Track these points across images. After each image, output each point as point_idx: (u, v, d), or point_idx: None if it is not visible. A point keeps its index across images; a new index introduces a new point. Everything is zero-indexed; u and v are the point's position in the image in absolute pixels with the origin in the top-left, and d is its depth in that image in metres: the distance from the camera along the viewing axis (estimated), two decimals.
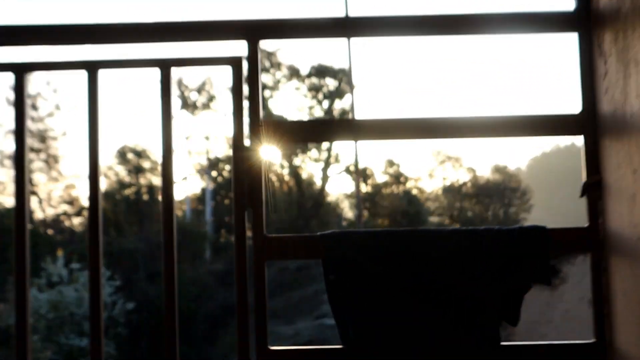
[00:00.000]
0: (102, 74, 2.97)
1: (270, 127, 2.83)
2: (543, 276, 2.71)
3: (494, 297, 2.70)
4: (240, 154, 2.85)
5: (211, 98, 28.20)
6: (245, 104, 2.89)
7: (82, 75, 2.97)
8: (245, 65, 2.92)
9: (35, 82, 26.17)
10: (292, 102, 31.40)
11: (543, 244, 2.74)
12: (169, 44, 3.00)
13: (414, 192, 30.96)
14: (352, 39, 2.99)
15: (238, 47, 2.91)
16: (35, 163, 25.35)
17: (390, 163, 30.60)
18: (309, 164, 29.18)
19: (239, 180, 2.86)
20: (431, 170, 33.02)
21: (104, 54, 3.02)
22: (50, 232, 25.19)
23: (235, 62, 2.90)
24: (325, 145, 28.27)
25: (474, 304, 2.70)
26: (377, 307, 2.71)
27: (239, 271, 2.84)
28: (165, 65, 2.94)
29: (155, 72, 2.96)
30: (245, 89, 2.90)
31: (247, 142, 2.86)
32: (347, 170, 29.40)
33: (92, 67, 2.95)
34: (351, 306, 2.73)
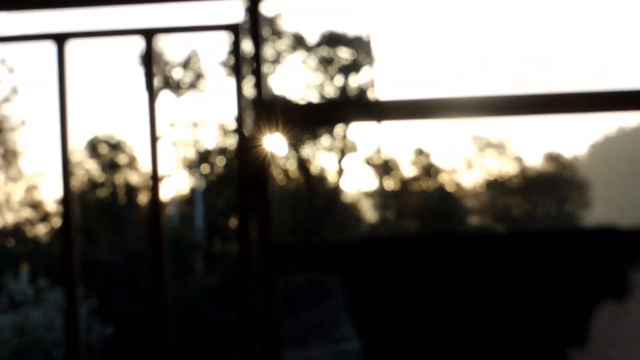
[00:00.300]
0: (73, 46, 2.95)
1: (275, 108, 2.81)
2: (616, 288, 2.68)
3: (557, 315, 2.67)
4: (243, 144, 2.83)
5: (199, 76, 28.05)
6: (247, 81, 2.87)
7: (48, 49, 2.96)
8: (244, 32, 2.90)
9: None
10: (297, 79, 31.37)
11: (615, 247, 2.71)
12: (150, 8, 2.98)
13: (448, 187, 30.90)
14: None
15: (231, 11, 2.90)
16: None
17: (420, 152, 30.56)
18: (320, 155, 29.08)
19: (242, 176, 2.84)
20: (469, 160, 32.96)
21: (75, 25, 3.01)
22: (11, 242, 25.26)
23: (234, 29, 2.88)
24: (339, 132, 28.21)
25: (533, 326, 2.67)
26: (416, 333, 2.68)
27: (243, 288, 2.82)
28: (149, 34, 2.92)
29: (136, 42, 2.94)
30: (248, 63, 2.88)
31: (250, 127, 2.84)
32: (367, 161, 29.33)
33: (60, 39, 2.93)
34: (382, 332, 2.70)
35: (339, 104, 2.65)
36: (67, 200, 2.85)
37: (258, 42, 2.85)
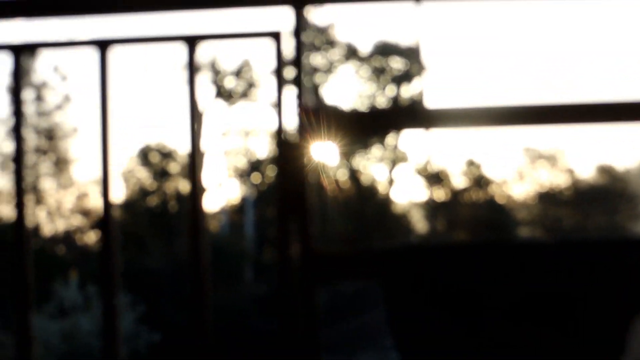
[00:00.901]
0: (116, 52, 2.95)
1: (324, 117, 2.79)
2: None
3: (597, 326, 2.63)
4: (284, 150, 2.81)
5: (251, 85, 28.12)
6: (291, 88, 2.85)
7: (94, 55, 2.96)
8: (287, 39, 2.88)
9: (40, 67, 26.43)
10: (350, 89, 31.34)
11: None
12: (195, 15, 2.98)
13: (499, 198, 30.71)
14: (423, 4, 2.94)
15: (278, 18, 2.88)
16: (42, 166, 25.58)
17: (470, 163, 30.41)
18: (371, 165, 29.04)
19: (283, 183, 2.82)
20: (520, 171, 32.74)
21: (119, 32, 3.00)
22: (61, 249, 25.45)
23: (276, 36, 2.86)
24: (391, 142, 28.15)
25: (572, 336, 2.63)
26: (453, 344, 2.64)
27: (283, 297, 2.80)
28: (191, 41, 2.91)
29: (181, 49, 2.93)
30: (291, 71, 2.86)
31: (293, 135, 2.82)
32: (418, 172, 29.24)
33: (103, 45, 2.93)
34: (420, 342, 2.66)
35: (387, 111, 2.61)
36: (107, 208, 2.84)
37: (300, 49, 2.82)
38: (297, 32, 2.92)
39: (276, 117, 2.84)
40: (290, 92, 2.91)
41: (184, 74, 2.97)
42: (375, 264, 2.88)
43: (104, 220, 2.86)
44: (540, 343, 2.74)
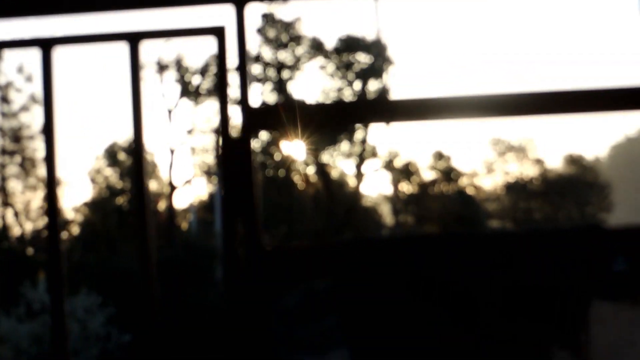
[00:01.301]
0: (61, 52, 2.93)
1: (290, 112, 2.76)
2: (604, 287, 2.64)
3: (544, 312, 2.64)
4: (227, 147, 2.79)
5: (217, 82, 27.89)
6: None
7: (38, 54, 2.94)
8: (231, 36, 2.87)
9: (5, 68, 26.24)
10: (316, 84, 31.33)
11: (600, 246, 2.67)
12: (141, 17, 2.97)
13: (469, 190, 30.78)
14: None
15: (222, 15, 2.87)
16: (9, 168, 25.43)
17: (439, 156, 30.47)
18: (339, 161, 29.04)
19: (228, 181, 2.80)
20: (489, 163, 32.86)
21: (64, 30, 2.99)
22: (29, 251, 25.30)
23: (218, 32, 2.85)
24: (359, 136, 28.16)
25: (525, 324, 2.64)
26: (404, 333, 2.64)
27: (230, 294, 2.79)
28: (134, 39, 2.90)
29: (124, 48, 2.92)
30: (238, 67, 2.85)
31: (238, 132, 2.80)
32: (387, 166, 29.26)
33: (46, 45, 2.91)
34: (371, 336, 2.67)
35: (353, 104, 2.61)
36: (52, 212, 2.83)
37: (244, 46, 2.82)
38: (240, 29, 2.92)
39: (219, 114, 2.84)
40: (236, 89, 2.91)
41: (129, 73, 2.95)
42: (326, 259, 2.88)
43: (50, 225, 2.84)
44: (487, 328, 2.75)
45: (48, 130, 2.90)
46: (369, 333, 2.78)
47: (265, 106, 2.39)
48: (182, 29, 2.88)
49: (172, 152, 26.71)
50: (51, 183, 2.88)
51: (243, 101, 2.84)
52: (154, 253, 2.89)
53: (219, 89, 2.84)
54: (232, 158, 2.82)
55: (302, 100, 28.24)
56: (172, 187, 26.68)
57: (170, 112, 27.18)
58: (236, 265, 2.86)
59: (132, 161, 2.77)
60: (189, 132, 28.04)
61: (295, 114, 2.84)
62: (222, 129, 2.81)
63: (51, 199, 2.88)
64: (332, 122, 2.89)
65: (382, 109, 2.90)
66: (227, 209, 2.87)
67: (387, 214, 30.78)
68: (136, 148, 2.82)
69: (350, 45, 28.69)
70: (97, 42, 2.93)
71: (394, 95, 28.36)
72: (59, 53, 2.96)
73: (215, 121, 28.57)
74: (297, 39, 28.55)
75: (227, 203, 2.87)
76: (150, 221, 2.91)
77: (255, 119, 2.84)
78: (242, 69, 2.88)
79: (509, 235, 2.76)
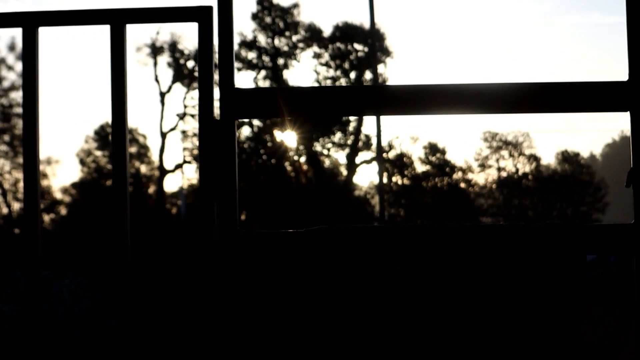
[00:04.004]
0: (45, 33, 2.97)
1: (283, 97, 2.77)
2: (576, 280, 2.69)
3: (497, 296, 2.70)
4: (207, 130, 2.82)
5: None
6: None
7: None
8: (216, 18, 2.89)
9: None
10: (311, 71, 31.29)
11: (573, 242, 2.73)
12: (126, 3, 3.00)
13: (462, 185, 30.78)
14: None
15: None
16: None
17: (433, 149, 30.48)
18: (332, 151, 29.01)
19: (205, 164, 2.83)
20: (484, 158, 32.88)
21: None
22: (17, 231, 25.28)
23: (203, 14, 2.87)
24: (352, 126, 28.15)
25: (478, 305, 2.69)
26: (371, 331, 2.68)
27: (206, 278, 2.82)
28: (116, 20, 2.92)
29: (106, 30, 2.94)
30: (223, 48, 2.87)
31: (219, 115, 2.83)
32: (380, 157, 29.25)
33: (29, 23, 2.94)
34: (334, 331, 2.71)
35: (347, 90, 2.58)
36: (33, 194, 2.85)
37: (229, 27, 2.84)
38: (225, 10, 2.94)
39: (200, 96, 2.87)
40: (219, 70, 2.94)
41: (111, 56, 2.97)
42: (296, 245, 2.92)
43: (29, 207, 2.86)
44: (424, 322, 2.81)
45: (29, 112, 2.93)
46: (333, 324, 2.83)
47: (252, 88, 2.40)
48: (167, 7, 2.92)
49: (163, 136, 26.72)
50: (31, 167, 2.91)
51: (226, 81, 2.87)
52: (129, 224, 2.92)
53: (203, 70, 2.87)
54: (213, 140, 2.86)
55: (291, 85, 28.06)
56: (163, 171, 26.69)
57: (163, 95, 27.19)
58: (211, 249, 2.90)
59: (112, 146, 2.81)
60: (181, 116, 28.07)
61: (285, 97, 2.86)
62: (203, 110, 2.84)
63: (31, 182, 2.91)
64: (323, 108, 2.91)
65: (377, 96, 2.91)
66: (204, 192, 2.91)
67: (378, 206, 30.79)
68: (116, 132, 2.85)
69: (346, 33, 28.66)
70: (79, 23, 2.96)
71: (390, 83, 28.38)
72: (47, 33, 2.99)
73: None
74: (293, 26, 28.53)
75: (204, 186, 2.91)
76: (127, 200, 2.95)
77: (240, 100, 2.87)
78: (227, 50, 2.91)
79: (470, 230, 2.80)
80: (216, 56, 2.89)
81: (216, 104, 2.90)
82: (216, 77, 2.83)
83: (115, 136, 2.89)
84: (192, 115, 28.25)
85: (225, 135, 2.87)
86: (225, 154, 2.88)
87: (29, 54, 2.92)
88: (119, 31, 2.93)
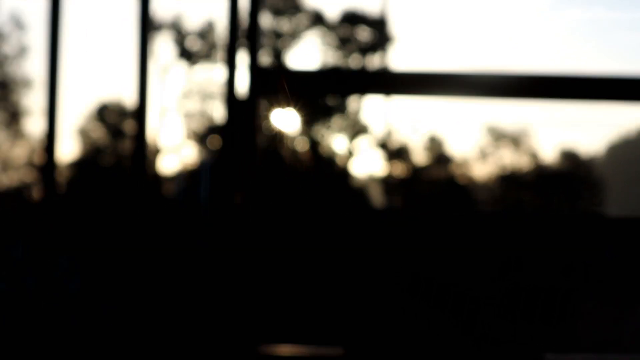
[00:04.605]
0: (75, 5, 2.90)
1: (286, 78, 2.73)
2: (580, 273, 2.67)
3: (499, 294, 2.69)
4: (233, 112, 2.76)
5: (214, 46, 27.85)
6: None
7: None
8: None
9: None
10: (314, 56, 31.23)
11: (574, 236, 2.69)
12: None
13: (460, 177, 30.79)
14: None
15: None
16: None
17: (433, 140, 30.46)
18: (331, 136, 28.95)
19: (229, 148, 2.77)
20: (483, 150, 32.85)
21: None
22: (10, 205, 25.17)
23: None
24: (353, 111, 28.10)
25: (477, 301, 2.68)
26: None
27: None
28: None
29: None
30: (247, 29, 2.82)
31: (245, 94, 2.77)
32: (378, 145, 29.21)
33: None
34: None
35: (343, 72, 2.52)
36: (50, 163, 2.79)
37: (256, 7, 2.79)
38: None
39: (227, 75, 2.81)
40: (245, 51, 2.88)
41: (137, 29, 2.91)
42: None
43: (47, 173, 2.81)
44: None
45: (52, 84, 2.87)
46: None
47: (272, 69, 2.34)
48: None
49: (163, 115, 26.61)
50: (51, 135, 2.85)
51: (252, 63, 2.82)
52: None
53: (229, 49, 2.81)
54: (237, 119, 2.80)
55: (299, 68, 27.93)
56: (161, 152, 26.60)
57: (164, 73, 27.07)
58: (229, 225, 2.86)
59: (136, 118, 2.74)
60: (183, 96, 27.94)
61: (292, 80, 2.82)
62: (229, 95, 2.78)
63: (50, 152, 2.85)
64: (329, 89, 2.86)
65: (381, 80, 2.89)
66: (224, 167, 2.86)
67: (375, 195, 30.76)
68: (140, 108, 2.79)
69: (351, 18, 28.60)
70: None
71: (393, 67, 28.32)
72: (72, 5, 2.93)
73: (214, 85, 28.41)
74: (296, 7, 28.45)
75: (224, 162, 2.86)
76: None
77: (264, 80, 2.82)
78: (253, 31, 2.85)
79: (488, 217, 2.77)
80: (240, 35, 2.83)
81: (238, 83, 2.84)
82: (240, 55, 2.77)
83: (138, 111, 2.83)
84: (192, 95, 28.12)
85: (249, 113, 2.82)
86: (248, 132, 2.83)
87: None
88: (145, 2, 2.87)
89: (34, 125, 31.22)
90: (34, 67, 30.85)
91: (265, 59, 27.86)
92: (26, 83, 25.47)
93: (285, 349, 2.83)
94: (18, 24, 25.53)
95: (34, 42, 27.91)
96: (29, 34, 28.06)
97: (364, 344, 2.81)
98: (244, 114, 2.75)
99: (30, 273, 18.46)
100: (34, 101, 28.68)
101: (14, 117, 25.59)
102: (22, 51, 25.37)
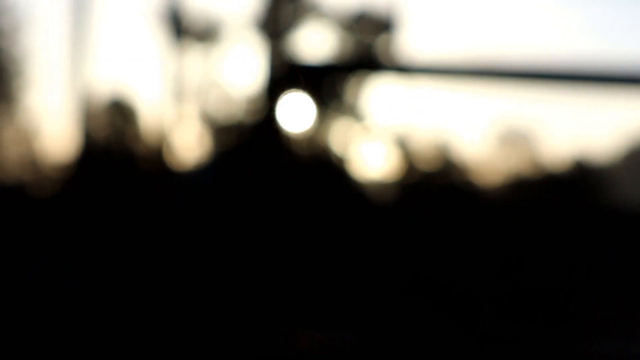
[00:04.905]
0: None
1: (300, 71, 2.73)
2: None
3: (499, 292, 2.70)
4: (270, 100, 2.76)
5: (228, 36, 27.65)
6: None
7: None
8: None
9: None
10: (321, 48, 31.07)
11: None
12: None
13: (464, 179, 30.72)
14: None
15: None
16: None
17: (439, 141, 30.38)
18: (339, 132, 28.82)
19: (251, 143, 2.78)
20: (488, 152, 32.79)
21: None
22: None
23: None
24: (359, 106, 28.01)
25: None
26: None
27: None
28: None
29: None
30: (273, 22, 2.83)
31: (262, 87, 2.78)
32: (386, 142, 29.12)
33: None
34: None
35: (356, 65, 2.49)
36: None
37: (278, 1, 2.79)
38: None
39: (262, 68, 2.81)
40: (271, 45, 2.88)
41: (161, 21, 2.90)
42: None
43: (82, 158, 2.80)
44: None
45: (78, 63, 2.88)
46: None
47: (313, 64, 2.35)
48: None
49: (169, 106, 26.56)
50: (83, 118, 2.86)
51: (276, 62, 2.83)
52: None
53: (267, 42, 2.81)
54: (271, 112, 2.82)
55: (313, 61, 27.88)
56: (164, 143, 26.50)
57: (170, 63, 27.01)
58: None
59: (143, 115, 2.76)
60: (198, 87, 27.79)
61: (305, 72, 2.83)
62: (270, 83, 2.80)
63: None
64: (334, 82, 2.86)
65: (390, 72, 2.88)
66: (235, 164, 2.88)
67: (377, 194, 30.75)
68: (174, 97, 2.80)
69: (360, 15, 28.56)
70: None
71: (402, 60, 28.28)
72: None
73: (227, 78, 28.10)
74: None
75: (236, 159, 2.87)
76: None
77: (281, 75, 2.84)
78: (275, 25, 2.86)
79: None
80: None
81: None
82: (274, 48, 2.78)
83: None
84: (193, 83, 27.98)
85: (266, 107, 2.84)
86: (266, 129, 2.84)
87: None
88: None
89: (34, 124, 31.09)
90: (36, 65, 30.68)
91: (278, 52, 27.80)
92: (18, 62, 25.06)
93: (302, 336, 2.86)
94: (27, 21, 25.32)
95: (37, 41, 27.61)
96: (20, 10, 27.42)
97: (364, 344, 2.82)
98: (260, 109, 2.76)
99: (30, 272, 18.43)
100: (36, 99, 28.52)
101: (3, 97, 25.31)
102: (13, 29, 24.86)
